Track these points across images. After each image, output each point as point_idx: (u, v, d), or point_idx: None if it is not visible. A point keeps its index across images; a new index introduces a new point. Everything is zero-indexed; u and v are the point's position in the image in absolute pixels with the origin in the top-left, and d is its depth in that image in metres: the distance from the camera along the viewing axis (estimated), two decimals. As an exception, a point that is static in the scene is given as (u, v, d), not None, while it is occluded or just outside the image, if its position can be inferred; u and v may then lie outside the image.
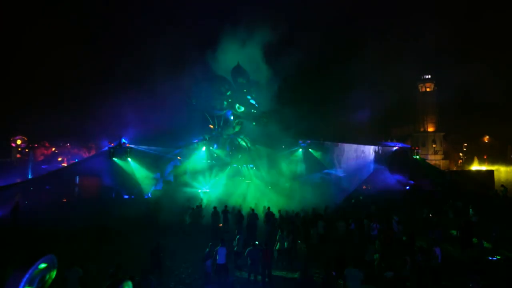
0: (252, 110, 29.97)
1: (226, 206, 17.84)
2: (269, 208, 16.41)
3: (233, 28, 31.40)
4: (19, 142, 60.79)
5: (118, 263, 7.70)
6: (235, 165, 30.39)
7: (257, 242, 10.35)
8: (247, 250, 9.87)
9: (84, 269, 8.07)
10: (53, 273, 4.64)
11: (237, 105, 29.66)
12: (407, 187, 28.14)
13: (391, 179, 29.70)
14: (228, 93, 29.90)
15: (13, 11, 66.41)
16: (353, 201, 22.40)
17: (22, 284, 3.98)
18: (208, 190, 27.34)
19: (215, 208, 16.80)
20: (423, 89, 58.15)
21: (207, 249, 9.70)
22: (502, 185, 23.49)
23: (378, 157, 32.55)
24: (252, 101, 30.23)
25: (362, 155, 33.28)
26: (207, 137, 30.96)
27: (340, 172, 30.14)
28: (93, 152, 53.52)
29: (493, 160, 54.81)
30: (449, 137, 62.75)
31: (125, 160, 27.28)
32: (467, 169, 49.51)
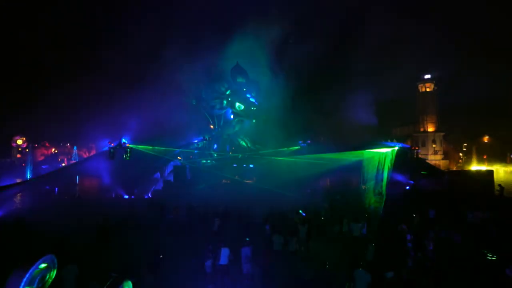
0: (252, 108, 30.06)
1: (225, 207, 17.80)
2: (271, 208, 16.42)
3: (233, 28, 31.46)
4: (19, 142, 60.82)
5: (121, 268, 7.66)
6: (235, 165, 30.40)
7: (247, 239, 10.35)
8: (242, 248, 9.87)
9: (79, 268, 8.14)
10: (53, 273, 4.65)
11: (237, 103, 29.71)
12: (407, 187, 28.11)
13: (391, 179, 29.66)
14: (228, 92, 29.97)
15: (13, 11, 66.49)
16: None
17: (22, 284, 3.99)
18: (207, 190, 27.34)
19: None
20: (423, 89, 58.18)
21: (206, 250, 9.70)
22: (499, 185, 23.55)
23: None
24: (252, 99, 30.31)
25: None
26: (207, 137, 31.02)
27: None
28: (93, 152, 53.55)
29: (492, 160, 54.88)
30: (449, 137, 62.77)
31: (125, 160, 27.25)
32: (467, 169, 49.52)
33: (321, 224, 15.56)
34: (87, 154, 57.50)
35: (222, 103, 30.00)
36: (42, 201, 22.72)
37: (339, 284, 8.78)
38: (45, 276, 4.47)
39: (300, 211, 16.51)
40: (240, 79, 30.05)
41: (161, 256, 10.12)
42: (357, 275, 7.73)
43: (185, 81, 29.76)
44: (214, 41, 31.54)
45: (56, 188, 26.44)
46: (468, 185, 25.59)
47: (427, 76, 57.74)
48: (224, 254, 9.35)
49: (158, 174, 30.53)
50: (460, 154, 62.62)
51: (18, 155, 59.80)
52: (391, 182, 28.53)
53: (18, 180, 33.44)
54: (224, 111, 30.52)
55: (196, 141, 31.59)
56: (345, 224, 14.12)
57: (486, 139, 65.44)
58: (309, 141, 32.39)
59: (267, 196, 23.88)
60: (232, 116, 30.35)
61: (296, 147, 31.44)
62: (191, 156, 31.57)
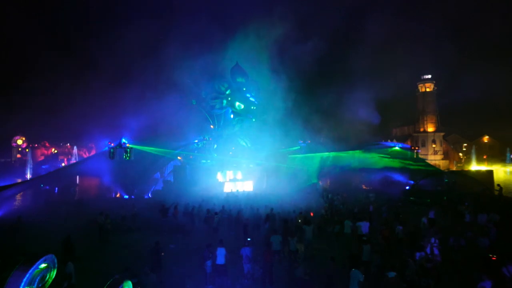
0: (252, 107, 30.11)
1: (223, 207, 17.77)
2: (272, 209, 16.40)
3: (233, 28, 31.45)
4: (19, 142, 60.79)
5: (126, 267, 7.66)
6: (235, 165, 30.39)
7: (249, 239, 10.35)
8: (242, 248, 9.86)
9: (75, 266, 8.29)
10: (53, 273, 4.65)
11: (237, 103, 29.77)
12: (407, 187, 28.16)
13: (391, 179, 29.71)
14: (228, 92, 30.01)
15: (12, 12, 66.53)
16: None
17: (22, 284, 3.99)
18: (207, 191, 27.31)
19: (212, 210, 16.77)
20: (423, 89, 58.18)
21: (206, 250, 9.71)
22: (498, 185, 23.59)
23: None
24: (252, 99, 30.35)
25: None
26: (207, 137, 31.01)
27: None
28: (93, 152, 53.55)
29: (492, 160, 54.89)
30: (449, 137, 62.80)
31: (125, 160, 27.24)
32: (466, 169, 49.52)
33: (322, 225, 15.57)
34: (87, 154, 57.52)
35: (222, 102, 30.01)
36: (42, 201, 22.73)
37: (339, 284, 8.78)
38: (45, 276, 4.47)
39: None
40: (240, 79, 30.09)
41: (162, 253, 10.11)
42: (352, 275, 7.77)
43: (185, 81, 29.76)
44: (214, 41, 31.60)
45: (56, 188, 26.45)
46: (468, 185, 25.61)
47: (427, 76, 57.75)
48: (221, 254, 9.35)
49: (158, 174, 30.55)
50: (460, 154, 62.62)
51: (18, 155, 59.77)
52: (391, 182, 28.61)
53: (18, 180, 33.46)
54: (224, 110, 30.52)
55: (196, 141, 31.57)
56: (346, 224, 14.07)
57: (486, 139, 65.45)
58: (309, 141, 32.40)
59: (267, 196, 23.94)
60: (232, 116, 30.35)
61: (297, 147, 31.46)
62: (191, 156, 31.56)
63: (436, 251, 10.59)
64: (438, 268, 9.47)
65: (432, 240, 10.97)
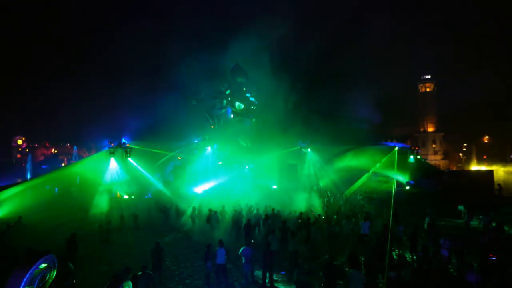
0: (252, 107, 30.10)
1: (223, 206, 17.74)
2: (273, 209, 16.38)
3: (233, 28, 31.45)
4: (19, 142, 60.81)
5: (127, 267, 7.65)
6: (235, 165, 30.36)
7: (252, 241, 10.33)
8: (241, 249, 9.86)
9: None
10: (53, 273, 4.65)
11: (237, 103, 29.77)
12: (407, 187, 28.12)
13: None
14: (228, 92, 30.01)
15: (12, 11, 66.58)
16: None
17: (22, 284, 3.99)
18: (207, 191, 27.30)
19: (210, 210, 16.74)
20: (423, 89, 58.22)
21: (205, 250, 9.71)
22: (498, 184, 23.62)
23: None
24: (252, 98, 30.35)
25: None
26: (207, 137, 31.00)
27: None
28: (93, 152, 53.52)
29: (492, 160, 54.86)
30: (449, 137, 62.81)
31: (125, 160, 27.23)
32: (466, 169, 49.50)
33: (322, 224, 15.55)
34: (87, 154, 57.50)
35: (222, 102, 30.03)
36: (42, 201, 22.71)
37: (338, 284, 8.78)
38: (45, 276, 4.47)
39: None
40: (240, 79, 30.10)
41: (163, 253, 10.10)
42: (351, 275, 7.68)
43: (185, 81, 29.76)
44: (215, 41, 31.62)
45: (56, 189, 26.43)
46: (468, 185, 25.59)
47: (427, 76, 57.78)
48: (221, 254, 9.37)
49: (158, 174, 30.51)
50: (460, 154, 62.60)
51: (18, 155, 59.77)
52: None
53: (18, 180, 33.42)
54: (224, 110, 30.52)
55: (196, 141, 31.54)
56: (346, 224, 14.07)
57: (486, 139, 65.43)
58: (308, 141, 32.29)
59: (267, 196, 23.91)
60: (232, 116, 30.35)
61: (296, 147, 31.40)
62: (191, 156, 31.50)
63: (445, 253, 10.52)
64: (438, 268, 9.47)
65: (442, 241, 10.88)
